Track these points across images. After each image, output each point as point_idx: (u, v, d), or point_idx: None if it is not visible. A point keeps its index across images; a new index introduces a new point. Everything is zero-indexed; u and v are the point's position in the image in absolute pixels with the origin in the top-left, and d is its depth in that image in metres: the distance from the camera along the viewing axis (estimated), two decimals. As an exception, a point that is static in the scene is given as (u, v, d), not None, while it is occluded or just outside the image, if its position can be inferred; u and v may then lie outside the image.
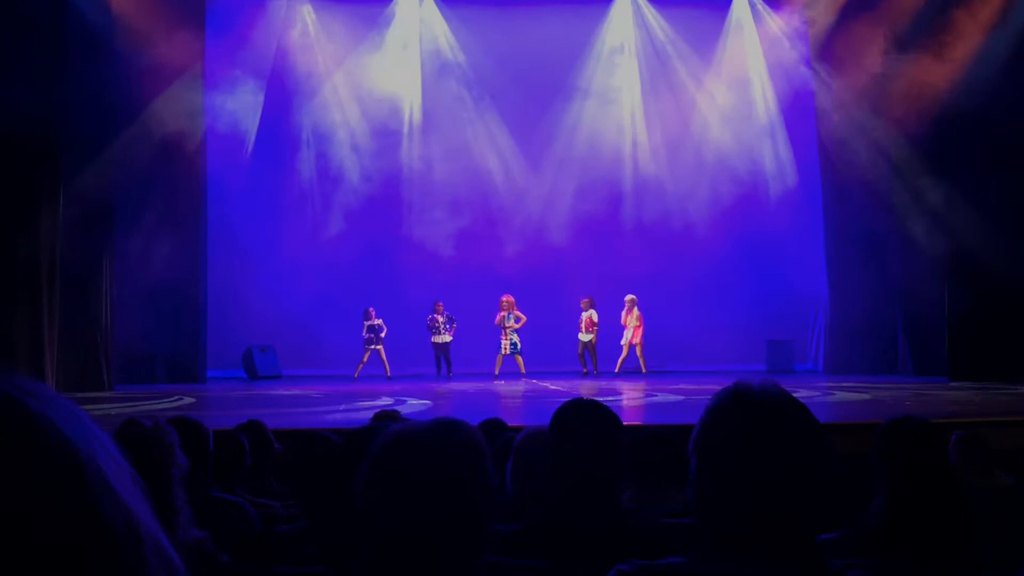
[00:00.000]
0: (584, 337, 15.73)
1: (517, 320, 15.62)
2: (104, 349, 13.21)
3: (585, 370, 15.80)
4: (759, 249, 17.38)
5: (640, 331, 15.74)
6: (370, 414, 5.35)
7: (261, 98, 16.41)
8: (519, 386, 13.98)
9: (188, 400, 11.71)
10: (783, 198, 17.52)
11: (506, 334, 15.53)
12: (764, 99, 17.42)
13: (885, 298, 15.50)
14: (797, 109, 17.04)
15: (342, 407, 10.31)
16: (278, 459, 5.03)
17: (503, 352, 15.56)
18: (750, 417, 1.55)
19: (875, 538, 2.77)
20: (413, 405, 10.40)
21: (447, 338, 15.69)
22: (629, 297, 15.90)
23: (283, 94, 16.73)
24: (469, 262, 16.90)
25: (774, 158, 17.53)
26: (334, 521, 3.30)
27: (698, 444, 1.59)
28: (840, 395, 11.43)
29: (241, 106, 16.10)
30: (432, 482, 1.57)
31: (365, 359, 15.65)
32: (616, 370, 15.70)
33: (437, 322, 15.68)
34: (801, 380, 14.32)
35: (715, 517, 1.54)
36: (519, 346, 15.55)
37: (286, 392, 12.63)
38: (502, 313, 15.57)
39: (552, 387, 13.41)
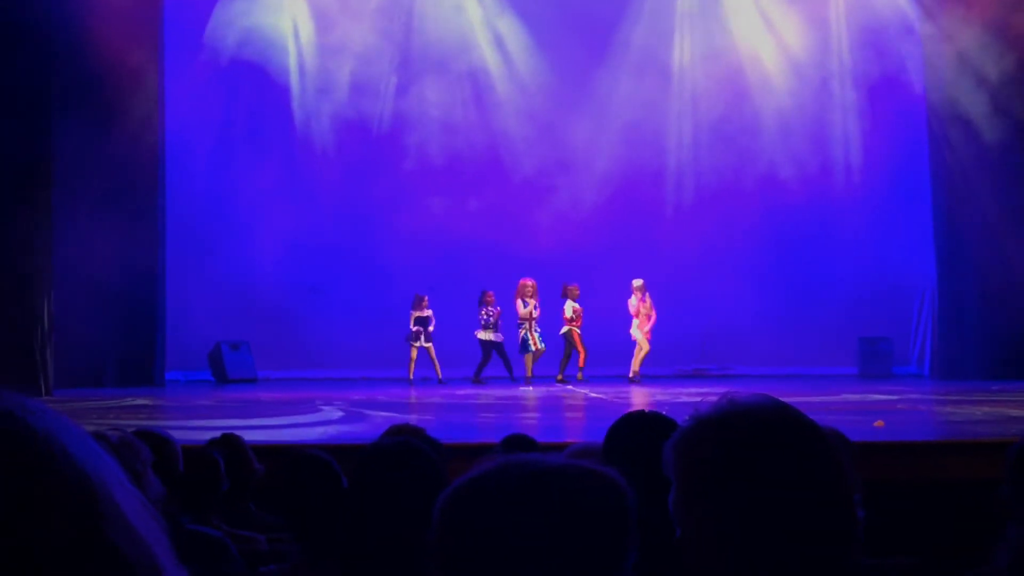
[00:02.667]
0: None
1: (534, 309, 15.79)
2: (41, 347, 13.32)
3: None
4: (845, 223, 17.27)
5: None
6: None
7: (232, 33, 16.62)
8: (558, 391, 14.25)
9: (134, 402, 11.82)
10: (877, 158, 17.38)
11: (531, 327, 15.65)
12: (847, 29, 17.33)
13: (1010, 287, 15.34)
14: (894, 42, 16.89)
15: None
16: (260, 482, 5.08)
17: (535, 348, 15.65)
18: (731, 453, 1.53)
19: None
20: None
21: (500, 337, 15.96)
22: (639, 282, 15.89)
23: (257, 29, 16.87)
24: (481, 240, 17.00)
25: (865, 105, 17.38)
26: (333, 560, 3.33)
27: (675, 490, 1.58)
28: (953, 406, 11.37)
29: (209, 27, 16.37)
30: (551, 558, 1.32)
31: (414, 356, 15.75)
32: (632, 375, 15.79)
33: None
34: (902, 386, 14.24)
35: (700, 562, 1.54)
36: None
37: (265, 397, 12.76)
38: (532, 301, 15.66)
39: (595, 395, 13.47)
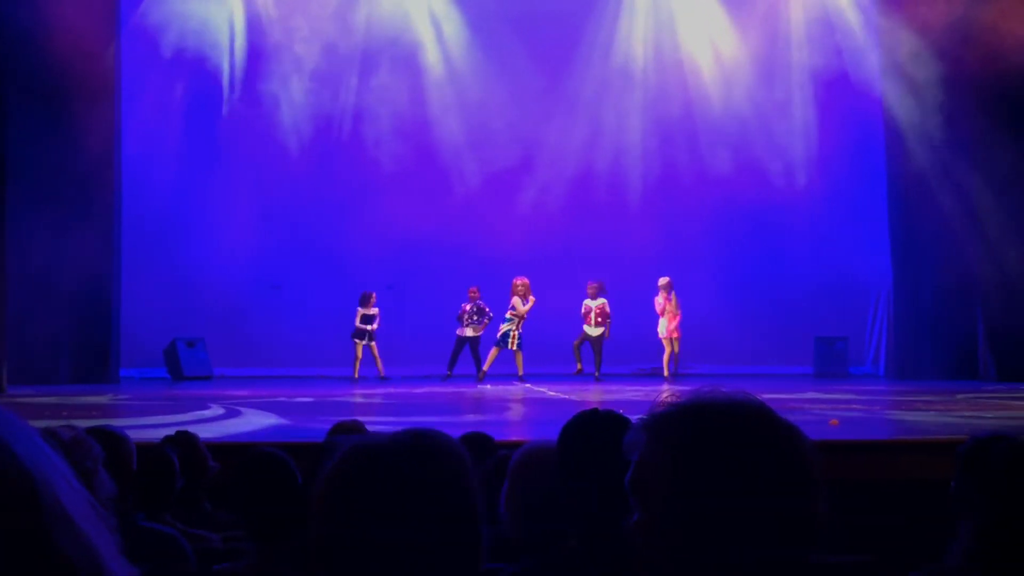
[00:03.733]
0: (593, 331, 15.78)
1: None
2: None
3: (580, 367, 15.88)
4: (802, 222, 17.41)
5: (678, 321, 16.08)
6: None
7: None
8: (518, 390, 14.13)
9: (94, 400, 11.68)
10: (833, 157, 17.52)
11: (517, 324, 15.67)
12: (803, 27, 17.44)
13: (964, 288, 15.50)
14: (851, 39, 17.02)
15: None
16: (214, 479, 5.05)
17: (511, 347, 15.66)
18: (709, 438, 1.51)
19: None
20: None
21: (468, 332, 15.93)
22: (664, 280, 16.03)
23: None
24: (434, 238, 17.00)
25: (822, 102, 17.50)
26: (287, 558, 3.32)
27: (638, 472, 1.56)
28: (905, 406, 11.48)
29: (163, 20, 16.23)
30: (403, 508, 1.55)
31: (359, 355, 15.70)
32: (666, 373, 16.01)
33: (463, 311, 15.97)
34: (857, 386, 14.36)
35: (659, 546, 1.53)
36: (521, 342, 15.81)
37: (215, 393, 12.70)
38: (530, 299, 15.66)
39: (552, 393, 13.47)
